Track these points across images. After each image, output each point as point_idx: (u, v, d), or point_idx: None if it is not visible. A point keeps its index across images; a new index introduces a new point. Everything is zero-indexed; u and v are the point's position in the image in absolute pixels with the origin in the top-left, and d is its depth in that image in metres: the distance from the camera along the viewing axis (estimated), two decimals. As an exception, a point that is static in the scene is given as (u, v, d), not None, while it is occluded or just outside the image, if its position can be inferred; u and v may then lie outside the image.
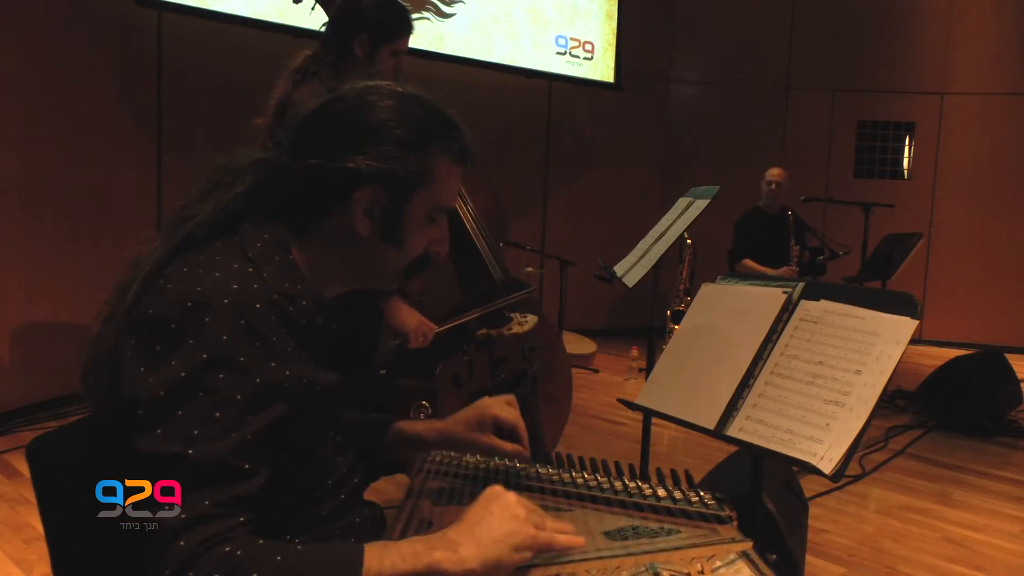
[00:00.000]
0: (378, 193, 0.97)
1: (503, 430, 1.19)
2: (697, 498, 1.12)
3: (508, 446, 1.19)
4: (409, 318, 2.23)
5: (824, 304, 1.29)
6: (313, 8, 2.50)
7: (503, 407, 1.20)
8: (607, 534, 1.02)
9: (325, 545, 0.86)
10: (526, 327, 2.63)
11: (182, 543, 0.77)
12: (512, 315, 2.64)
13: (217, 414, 0.84)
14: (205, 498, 0.81)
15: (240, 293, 0.89)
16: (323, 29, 2.38)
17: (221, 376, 0.85)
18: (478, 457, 1.28)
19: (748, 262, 5.04)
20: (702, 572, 0.95)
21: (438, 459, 1.28)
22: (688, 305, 1.45)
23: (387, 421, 1.25)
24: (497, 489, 0.92)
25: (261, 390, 0.88)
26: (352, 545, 0.83)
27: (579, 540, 0.93)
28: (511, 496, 0.91)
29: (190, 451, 0.81)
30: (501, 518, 0.88)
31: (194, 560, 0.77)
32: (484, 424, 1.19)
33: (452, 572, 0.83)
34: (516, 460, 1.23)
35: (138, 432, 0.83)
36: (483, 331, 2.52)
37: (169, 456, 0.81)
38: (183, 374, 0.83)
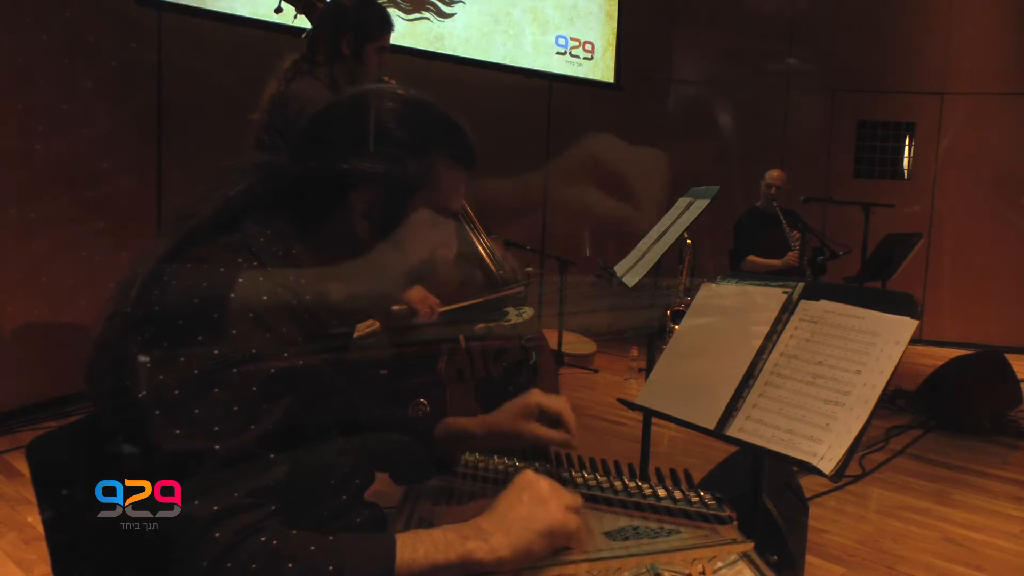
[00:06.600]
0: (377, 194, 0.97)
1: (549, 418, 1.20)
2: (697, 498, 1.12)
3: (555, 435, 1.20)
4: (411, 291, 2.26)
5: (824, 304, 1.29)
6: (296, 16, 2.60)
7: (548, 396, 1.20)
8: (607, 534, 1.02)
9: (357, 535, 0.87)
10: (525, 317, 2.64)
11: (218, 534, 0.78)
12: (508, 309, 2.64)
13: (235, 407, 0.84)
14: (235, 489, 0.81)
15: (246, 286, 0.89)
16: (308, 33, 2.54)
17: (234, 369, 0.85)
18: (477, 456, 1.27)
19: (753, 258, 5.11)
20: (703, 573, 0.95)
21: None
22: (688, 305, 1.45)
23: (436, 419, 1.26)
24: (529, 476, 0.93)
25: (274, 380, 0.88)
26: (384, 535, 0.85)
27: None
28: (543, 484, 0.93)
29: (215, 446, 0.81)
30: (531, 506, 0.90)
31: (231, 550, 0.78)
32: (529, 412, 1.20)
33: (485, 561, 0.85)
34: (561, 448, 1.23)
35: (157, 433, 0.82)
36: (482, 324, 2.53)
37: (194, 454, 0.81)
38: (195, 371, 0.83)
